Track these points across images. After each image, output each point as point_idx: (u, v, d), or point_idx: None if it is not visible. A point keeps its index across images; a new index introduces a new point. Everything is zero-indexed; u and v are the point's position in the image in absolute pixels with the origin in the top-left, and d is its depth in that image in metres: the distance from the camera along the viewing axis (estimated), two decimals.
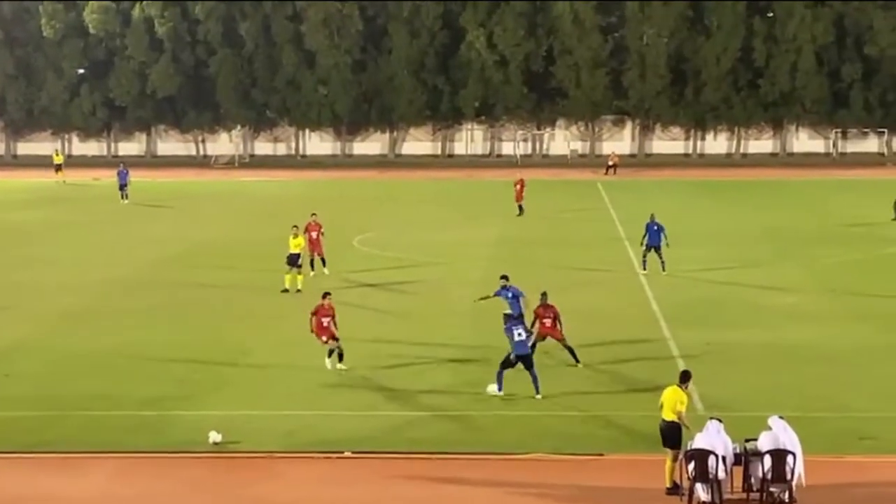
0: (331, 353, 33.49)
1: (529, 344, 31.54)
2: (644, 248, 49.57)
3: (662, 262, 48.86)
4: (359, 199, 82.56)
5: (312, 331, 33.62)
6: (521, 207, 69.18)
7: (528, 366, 30.91)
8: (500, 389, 30.90)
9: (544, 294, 34.50)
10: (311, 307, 33.93)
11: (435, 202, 79.08)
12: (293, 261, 45.56)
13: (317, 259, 49.09)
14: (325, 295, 33.96)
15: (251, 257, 52.14)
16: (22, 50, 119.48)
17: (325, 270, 48.69)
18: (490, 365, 33.95)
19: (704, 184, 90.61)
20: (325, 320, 33.31)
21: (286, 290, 44.95)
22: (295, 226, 47.30)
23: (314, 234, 48.94)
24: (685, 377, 24.63)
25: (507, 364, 31.00)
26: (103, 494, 24.44)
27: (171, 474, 25.69)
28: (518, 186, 69.95)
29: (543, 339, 33.91)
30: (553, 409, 30.05)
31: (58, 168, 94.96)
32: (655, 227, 49.36)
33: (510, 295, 36.16)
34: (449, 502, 23.89)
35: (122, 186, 78.19)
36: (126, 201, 77.28)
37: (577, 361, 33.80)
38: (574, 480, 24.84)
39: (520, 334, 31.14)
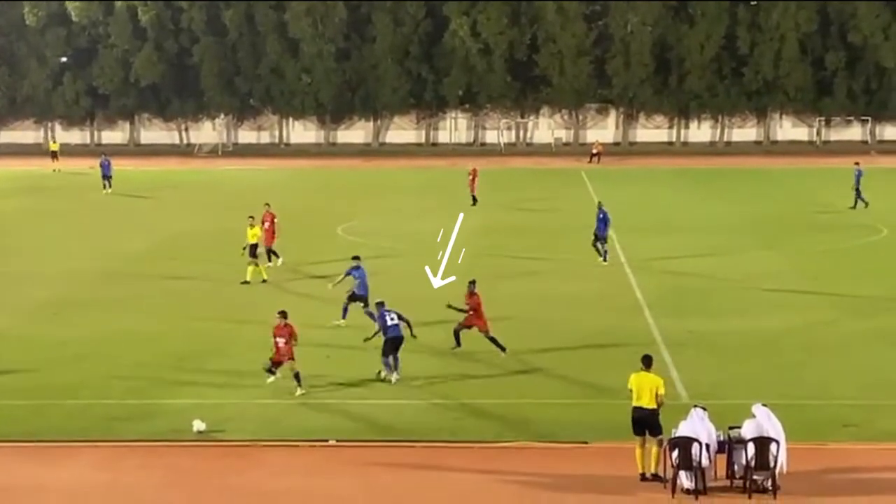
0: (295, 376, 30.60)
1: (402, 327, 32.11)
2: (597, 237, 49.07)
3: (602, 252, 48.74)
4: (343, 187, 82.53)
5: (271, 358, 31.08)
6: (474, 198, 68.54)
7: (397, 349, 31.65)
8: (391, 372, 31.62)
9: (472, 282, 34.73)
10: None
11: (419, 191, 78.98)
12: (252, 251, 45.70)
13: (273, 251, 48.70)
14: (281, 314, 31.11)
15: (232, 247, 51.75)
16: (4, 38, 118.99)
17: (278, 262, 48.31)
18: (472, 354, 34.07)
19: (688, 172, 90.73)
20: (281, 341, 30.70)
21: (246, 282, 44.79)
22: (251, 216, 47.32)
23: (266, 224, 48.66)
24: (649, 362, 24.62)
25: (387, 351, 31.63)
26: (87, 483, 24.43)
27: (155, 463, 25.68)
28: (471, 177, 69.60)
29: (469, 327, 34.15)
30: (537, 397, 30.10)
31: (53, 155, 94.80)
32: (601, 216, 49.23)
33: (357, 274, 37.98)
34: (434, 490, 23.92)
35: (106, 177, 77.48)
36: (109, 191, 76.62)
37: (503, 349, 33.89)
38: (558, 468, 24.88)
39: (392, 318, 31.93)
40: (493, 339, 33.97)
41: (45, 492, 23.90)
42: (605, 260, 48.55)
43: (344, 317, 37.75)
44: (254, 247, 46.01)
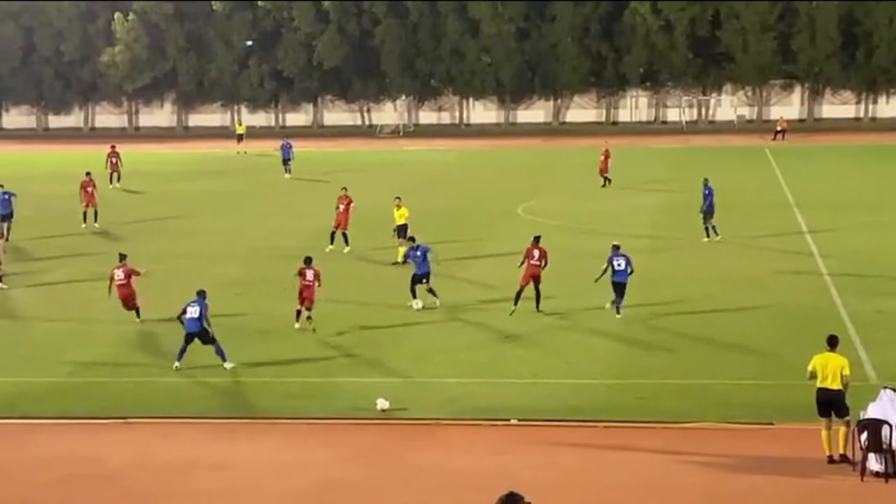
0: (300, 313, 35.41)
1: (628, 273, 35.88)
2: (702, 214, 49.16)
3: (713, 228, 48.66)
4: (523, 167, 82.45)
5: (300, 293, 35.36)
6: (607, 179, 67.46)
7: (621, 292, 35.72)
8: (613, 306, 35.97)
9: (538, 237, 37.24)
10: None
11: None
12: (401, 232, 45.66)
13: (341, 234, 48.64)
14: (308, 261, 35.86)
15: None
16: (192, 23, 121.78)
17: (346, 248, 48.00)
18: (654, 334, 33.87)
19: (877, 149, 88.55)
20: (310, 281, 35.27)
21: (397, 263, 44.31)
22: (398, 196, 47.45)
23: (342, 207, 48.54)
24: (835, 342, 24.05)
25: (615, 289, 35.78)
26: (273, 460, 24.79)
27: (338, 441, 25.96)
28: (603, 157, 68.50)
29: (534, 278, 36.43)
30: (722, 378, 29.72)
31: (239, 138, 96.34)
32: (707, 192, 48.94)
33: (419, 253, 38.22)
34: (614, 470, 23.74)
35: (286, 161, 76.67)
36: (289, 176, 75.85)
37: (538, 307, 36.50)
38: (742, 450, 24.48)
39: (619, 264, 35.72)
40: (539, 294, 36.58)
41: (229, 468, 24.31)
42: (709, 237, 48.59)
43: (424, 297, 37.75)
44: (402, 228, 45.94)
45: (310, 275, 35.35)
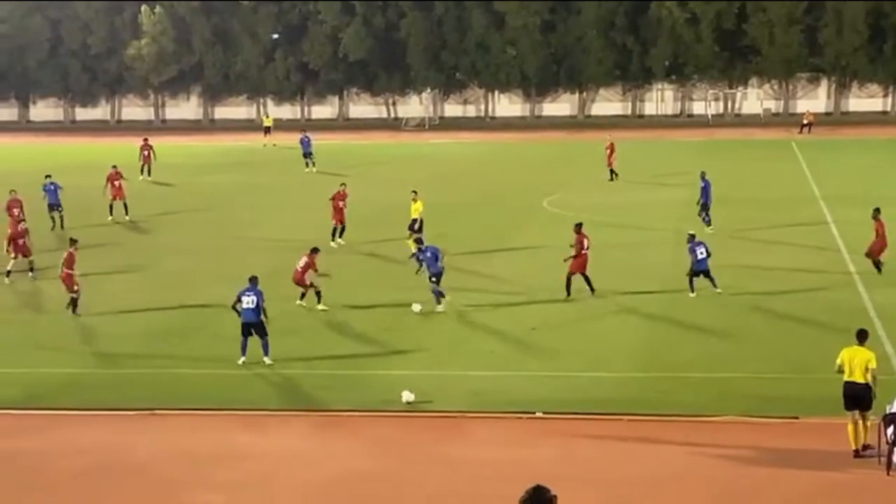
0: (303, 295, 36.94)
1: (709, 260, 37.19)
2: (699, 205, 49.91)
3: (706, 220, 49.33)
4: (548, 160, 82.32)
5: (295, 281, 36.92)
6: (612, 172, 66.91)
7: (707, 274, 37.14)
8: (692, 291, 37.07)
9: (579, 224, 38.58)
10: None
11: (625, 163, 78.18)
12: (412, 226, 45.53)
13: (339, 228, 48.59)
14: (314, 251, 37.34)
15: (431, 222, 51.52)
16: (218, 16, 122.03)
17: (341, 241, 47.94)
18: (679, 326, 33.84)
19: None
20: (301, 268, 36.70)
21: (414, 255, 44.38)
22: (414, 191, 47.38)
23: (340, 204, 48.32)
24: (864, 336, 23.98)
25: (693, 275, 37.11)
26: (298, 451, 24.88)
27: (364, 433, 26.02)
28: (608, 151, 68.06)
29: (583, 267, 37.43)
30: (745, 371, 29.66)
31: (267, 131, 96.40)
32: (703, 185, 49.57)
33: (429, 254, 37.60)
34: (638, 463, 23.73)
35: (307, 154, 75.74)
36: (313, 169, 74.80)
37: (592, 290, 37.36)
38: (767, 443, 24.43)
39: (702, 253, 37.08)
40: (586, 279, 37.42)
41: (255, 459, 24.37)
42: (710, 227, 48.92)
43: (438, 301, 37.04)
44: (414, 221, 45.89)
45: (301, 262, 36.67)
